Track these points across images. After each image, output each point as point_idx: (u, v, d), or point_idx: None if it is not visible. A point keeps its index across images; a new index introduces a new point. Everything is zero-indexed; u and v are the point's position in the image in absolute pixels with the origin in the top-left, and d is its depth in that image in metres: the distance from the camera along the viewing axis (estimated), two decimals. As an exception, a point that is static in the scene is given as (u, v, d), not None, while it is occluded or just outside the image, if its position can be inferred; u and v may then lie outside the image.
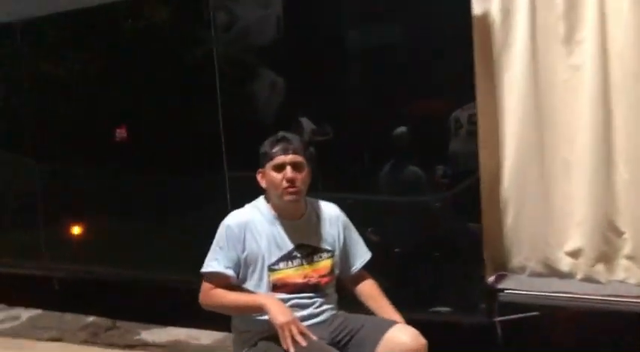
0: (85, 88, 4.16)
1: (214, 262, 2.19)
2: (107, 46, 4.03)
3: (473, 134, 2.95)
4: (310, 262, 2.24)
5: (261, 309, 2.10)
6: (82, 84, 4.17)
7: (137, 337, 4.07)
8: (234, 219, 2.23)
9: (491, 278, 3.13)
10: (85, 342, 4.05)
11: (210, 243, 2.25)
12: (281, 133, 2.26)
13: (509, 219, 3.10)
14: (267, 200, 2.28)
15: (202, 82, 3.64)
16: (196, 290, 2.25)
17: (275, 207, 2.25)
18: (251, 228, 2.21)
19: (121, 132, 3.95)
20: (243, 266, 2.20)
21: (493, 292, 3.05)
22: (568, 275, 3.05)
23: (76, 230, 4.30)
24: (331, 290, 2.32)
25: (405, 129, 3.12)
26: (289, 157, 2.18)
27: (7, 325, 4.50)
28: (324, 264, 2.28)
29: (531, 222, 3.07)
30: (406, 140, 3.14)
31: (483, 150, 3.00)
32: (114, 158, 4.04)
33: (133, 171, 4.00)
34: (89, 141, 4.12)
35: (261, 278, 2.20)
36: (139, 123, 3.95)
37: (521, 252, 3.14)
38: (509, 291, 3.02)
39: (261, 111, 3.55)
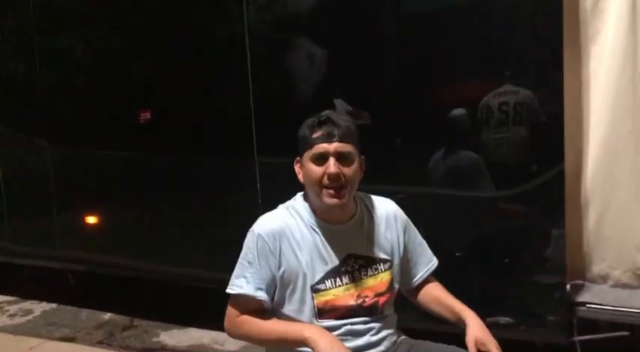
0: (105, 66, 3.73)
1: (242, 281, 1.73)
2: (128, 22, 3.59)
3: (556, 117, 2.43)
4: (364, 277, 1.77)
5: (304, 343, 1.64)
6: (102, 62, 3.74)
7: (155, 339, 3.69)
8: (266, 225, 1.74)
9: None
10: (100, 343, 3.67)
11: (239, 238, 1.78)
12: (325, 113, 1.73)
13: (592, 219, 2.60)
14: (306, 198, 1.80)
15: (231, 57, 3.19)
16: (223, 289, 1.78)
17: (316, 209, 1.76)
18: (288, 237, 1.73)
19: (144, 115, 3.55)
20: (279, 287, 1.73)
21: (572, 306, 2.57)
22: (663, 288, 2.56)
23: (93, 219, 3.93)
24: (390, 311, 1.85)
25: (465, 112, 2.64)
26: (334, 146, 1.67)
27: (18, 320, 4.16)
28: (382, 278, 1.80)
29: (619, 224, 2.56)
30: (465, 124, 2.65)
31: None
32: (135, 142, 3.63)
33: (156, 156, 3.58)
34: (109, 124, 3.71)
35: (302, 302, 1.73)
36: (161, 103, 3.53)
37: (605, 258, 2.63)
38: (593, 306, 2.53)
39: (296, 88, 3.09)
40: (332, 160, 1.67)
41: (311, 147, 1.69)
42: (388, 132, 2.81)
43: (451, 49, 2.60)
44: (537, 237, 2.57)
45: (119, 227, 3.83)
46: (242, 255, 1.75)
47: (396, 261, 1.85)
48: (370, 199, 1.88)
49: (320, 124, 1.70)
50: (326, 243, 1.75)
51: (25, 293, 4.55)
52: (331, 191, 1.68)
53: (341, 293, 1.73)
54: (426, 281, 1.94)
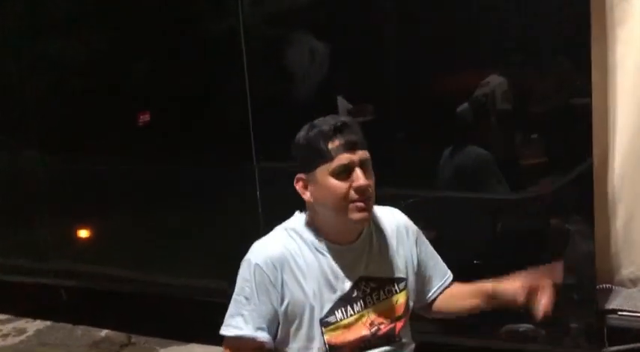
0: (90, 68, 3.54)
1: (240, 321, 1.51)
2: (116, 20, 3.40)
3: (583, 108, 2.22)
4: (377, 302, 1.57)
5: None
6: (85, 64, 3.55)
7: (155, 357, 3.51)
8: (263, 253, 1.52)
9: (593, 293, 2.46)
10: (96, 363, 3.50)
11: (239, 248, 1.57)
12: (336, 119, 1.51)
13: (620, 220, 2.41)
14: (308, 218, 1.58)
15: (226, 53, 2.99)
16: (224, 303, 1.58)
17: (324, 229, 1.55)
18: (290, 264, 1.51)
19: (141, 119, 3.36)
20: (282, 323, 1.52)
21: (602, 313, 2.37)
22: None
23: (85, 231, 3.74)
24: (408, 338, 1.65)
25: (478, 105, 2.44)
26: (359, 155, 1.46)
27: (11, 341, 3.96)
28: (398, 300, 1.60)
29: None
30: (482, 119, 2.46)
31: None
32: (128, 149, 3.44)
33: (149, 163, 3.38)
34: (100, 130, 3.52)
35: (310, 338, 1.51)
36: (152, 108, 3.33)
37: (634, 261, 2.45)
38: (625, 313, 2.34)
39: (297, 87, 2.90)
40: (359, 171, 1.46)
41: (331, 159, 1.46)
42: (391, 130, 2.62)
43: (464, 37, 2.40)
44: (563, 239, 2.37)
45: (114, 238, 3.63)
46: (237, 289, 1.53)
47: (411, 279, 1.65)
48: (375, 211, 1.63)
49: (337, 131, 1.47)
50: (334, 267, 1.54)
51: (19, 310, 4.34)
52: (360, 204, 1.47)
53: (353, 324, 1.53)
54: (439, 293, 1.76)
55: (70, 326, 4.02)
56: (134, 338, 3.76)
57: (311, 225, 1.56)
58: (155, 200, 3.43)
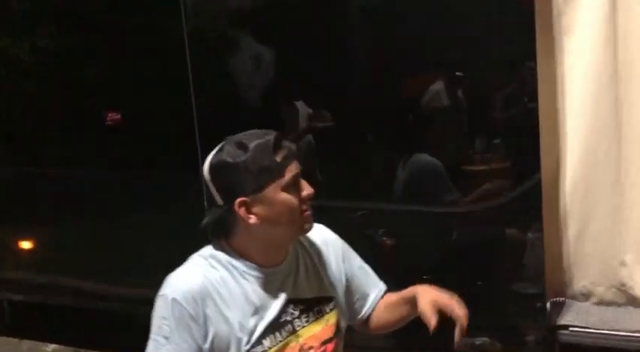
0: (38, 71, 3.40)
1: None
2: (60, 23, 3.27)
3: (531, 121, 2.14)
4: (307, 324, 1.48)
5: None
6: (33, 66, 3.41)
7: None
8: (182, 286, 1.38)
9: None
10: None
11: (185, 258, 1.47)
12: (263, 132, 1.42)
13: (572, 232, 2.34)
14: (232, 243, 1.47)
15: (170, 60, 2.87)
16: None
17: (251, 252, 1.45)
18: (212, 296, 1.39)
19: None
20: None
21: (554, 329, 2.31)
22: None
23: (28, 241, 3.60)
24: None
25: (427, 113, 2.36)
26: (297, 165, 1.42)
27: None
28: (328, 320, 1.51)
29: (602, 236, 2.31)
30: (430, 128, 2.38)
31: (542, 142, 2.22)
32: (69, 155, 3.33)
33: (90, 170, 3.27)
34: (39, 136, 3.40)
35: None
36: (98, 113, 3.21)
37: (587, 273, 2.38)
38: (577, 329, 2.27)
39: (243, 94, 2.79)
40: (303, 182, 1.43)
41: (282, 174, 1.38)
42: (344, 138, 2.53)
43: (411, 44, 2.32)
44: (513, 253, 2.31)
45: (58, 249, 3.51)
46: (154, 329, 1.39)
47: (341, 297, 1.57)
48: None
49: (278, 144, 1.39)
50: (260, 292, 1.43)
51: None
52: (309, 213, 1.43)
53: (282, 351, 1.43)
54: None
55: (15, 340, 3.86)
56: (83, 353, 3.63)
57: (234, 250, 1.45)
58: (101, 209, 3.29)
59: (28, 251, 3.61)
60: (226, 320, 1.39)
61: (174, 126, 2.95)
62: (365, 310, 1.64)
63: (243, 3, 2.68)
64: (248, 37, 2.70)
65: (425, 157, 2.41)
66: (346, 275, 1.60)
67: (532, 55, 2.07)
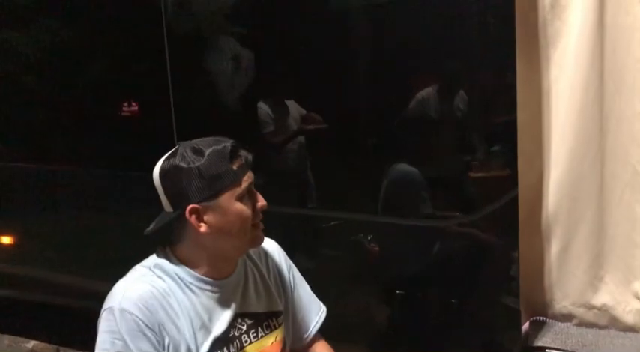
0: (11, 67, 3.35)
1: None
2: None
3: (509, 135, 2.05)
4: (255, 340, 1.44)
5: None
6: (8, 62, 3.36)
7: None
8: (130, 297, 1.32)
9: (524, 326, 2.31)
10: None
11: None
12: (219, 138, 1.37)
13: (554, 250, 2.25)
14: (179, 253, 1.42)
15: (150, 59, 2.80)
16: None
17: (200, 263, 1.40)
18: (163, 304, 1.34)
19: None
20: None
21: (528, 350, 2.22)
22: (636, 328, 2.22)
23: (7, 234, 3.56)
24: None
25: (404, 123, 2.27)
26: (252, 175, 1.38)
27: None
28: (276, 336, 1.48)
29: (584, 255, 2.22)
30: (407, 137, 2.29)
31: (521, 156, 2.13)
32: (50, 151, 3.27)
33: (74, 165, 3.21)
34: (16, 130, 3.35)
35: None
36: (78, 111, 3.16)
37: (568, 294, 2.29)
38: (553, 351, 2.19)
39: (222, 95, 2.70)
40: (256, 191, 1.40)
41: (238, 183, 1.34)
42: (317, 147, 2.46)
43: (389, 51, 2.22)
44: (488, 270, 2.22)
45: (37, 243, 3.46)
46: (103, 346, 1.31)
47: (289, 312, 1.55)
48: None
49: (235, 151, 1.35)
50: (208, 305, 1.39)
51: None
52: (261, 225, 1.41)
53: None
54: (315, 339, 1.63)
55: (-3, 335, 3.84)
56: (62, 350, 3.58)
57: (181, 260, 1.40)
58: (79, 205, 3.24)
59: (7, 245, 3.58)
60: (178, 329, 1.34)
61: (153, 126, 2.88)
62: (307, 334, 1.61)
63: (225, 4, 2.59)
64: (228, 37, 2.62)
65: (403, 167, 2.32)
66: (293, 290, 1.58)
67: (513, 67, 1.97)
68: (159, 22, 2.62)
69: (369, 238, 2.26)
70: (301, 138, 2.52)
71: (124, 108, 2.97)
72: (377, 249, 2.26)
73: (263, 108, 2.62)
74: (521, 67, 2.04)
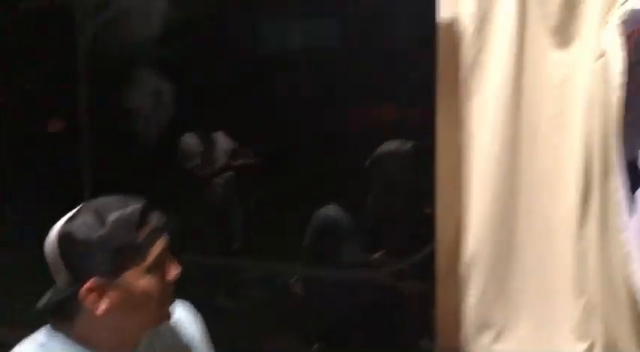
0: None
1: None
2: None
3: (427, 182, 2.06)
4: None
5: None
6: None
7: None
8: None
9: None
10: None
11: None
12: (124, 198, 1.24)
13: (473, 298, 2.28)
14: (70, 329, 1.29)
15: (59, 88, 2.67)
16: None
17: (98, 339, 1.27)
18: None
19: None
20: None
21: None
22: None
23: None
24: None
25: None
26: (165, 240, 1.25)
27: None
28: None
29: (504, 306, 2.26)
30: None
31: (440, 205, 2.14)
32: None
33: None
34: None
35: None
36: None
37: (483, 338, 2.32)
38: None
39: (142, 129, 2.60)
40: (170, 257, 1.26)
41: (144, 256, 1.21)
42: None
43: (313, 98, 2.21)
44: (405, 321, 2.22)
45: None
46: None
47: None
48: None
49: (144, 216, 1.21)
50: None
51: None
52: (171, 296, 1.28)
53: None
54: None
55: None
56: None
57: (79, 337, 1.27)
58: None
59: None
60: None
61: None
62: None
63: (143, 37, 2.49)
64: (147, 71, 2.52)
65: (327, 211, 2.29)
66: None
67: (432, 120, 1.99)
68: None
69: (292, 281, 2.21)
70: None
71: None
72: (300, 294, 2.21)
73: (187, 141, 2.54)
74: (440, 114, 2.07)
